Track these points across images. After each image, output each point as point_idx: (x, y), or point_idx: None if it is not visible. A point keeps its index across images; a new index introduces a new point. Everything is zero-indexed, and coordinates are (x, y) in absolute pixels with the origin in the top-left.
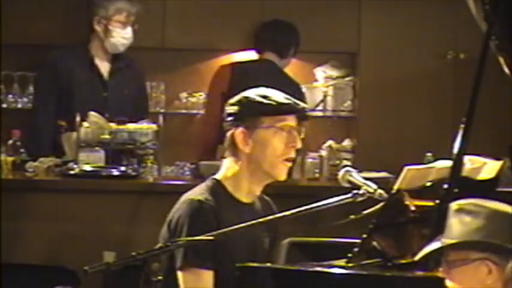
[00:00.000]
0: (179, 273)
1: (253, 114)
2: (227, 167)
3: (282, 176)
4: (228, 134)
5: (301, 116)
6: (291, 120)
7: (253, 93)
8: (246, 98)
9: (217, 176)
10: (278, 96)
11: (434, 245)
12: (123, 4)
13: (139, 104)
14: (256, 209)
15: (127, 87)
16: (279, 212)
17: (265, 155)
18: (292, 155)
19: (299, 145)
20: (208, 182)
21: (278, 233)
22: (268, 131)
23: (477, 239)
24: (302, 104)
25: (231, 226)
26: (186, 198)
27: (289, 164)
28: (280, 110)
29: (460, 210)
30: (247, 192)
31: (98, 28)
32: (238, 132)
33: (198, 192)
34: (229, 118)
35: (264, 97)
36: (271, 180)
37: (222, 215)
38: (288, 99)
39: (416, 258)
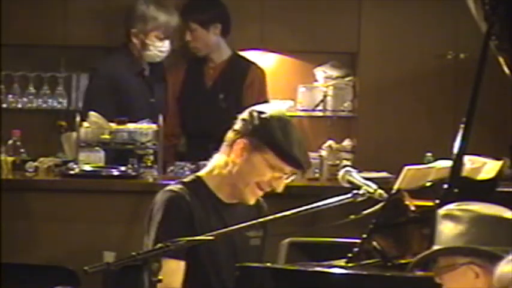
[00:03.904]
0: None
1: (264, 142)
2: (214, 165)
3: (251, 201)
4: (232, 134)
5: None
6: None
7: (278, 126)
8: (269, 124)
9: (200, 173)
10: (296, 147)
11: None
12: (161, 19)
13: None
14: (239, 210)
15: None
16: (276, 212)
17: (248, 176)
18: (268, 189)
19: (279, 190)
20: (189, 177)
21: (268, 230)
22: (267, 165)
23: (459, 244)
24: (309, 164)
25: (206, 223)
26: (162, 190)
27: (261, 193)
28: (288, 161)
29: (445, 216)
30: (227, 194)
31: (136, 41)
32: (240, 141)
33: (175, 184)
34: (243, 124)
35: (285, 139)
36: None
37: (197, 209)
38: (303, 157)
39: (410, 264)
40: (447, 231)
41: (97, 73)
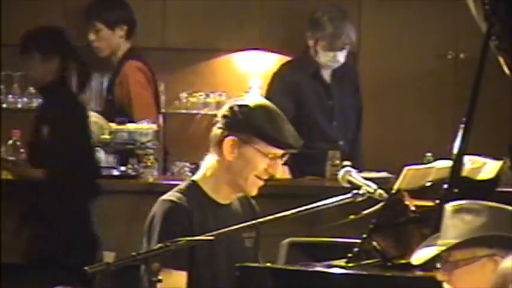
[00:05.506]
0: None
1: (252, 134)
2: (207, 167)
3: (253, 192)
4: (218, 132)
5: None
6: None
7: (262, 115)
8: (254, 115)
9: (195, 177)
10: (284, 130)
11: (436, 248)
12: (328, 31)
13: (359, 112)
14: (235, 209)
15: (348, 95)
16: (277, 212)
17: (244, 170)
18: (267, 177)
19: (278, 175)
20: (184, 184)
21: (260, 231)
22: (260, 154)
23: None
24: (301, 142)
25: (205, 226)
26: (160, 199)
27: (262, 183)
28: (280, 146)
29: (459, 210)
30: (225, 194)
31: (310, 44)
32: (228, 139)
33: (172, 193)
34: (226, 120)
35: (272, 125)
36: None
37: (195, 215)
38: (293, 138)
39: (417, 262)
40: (464, 224)
41: (278, 74)
